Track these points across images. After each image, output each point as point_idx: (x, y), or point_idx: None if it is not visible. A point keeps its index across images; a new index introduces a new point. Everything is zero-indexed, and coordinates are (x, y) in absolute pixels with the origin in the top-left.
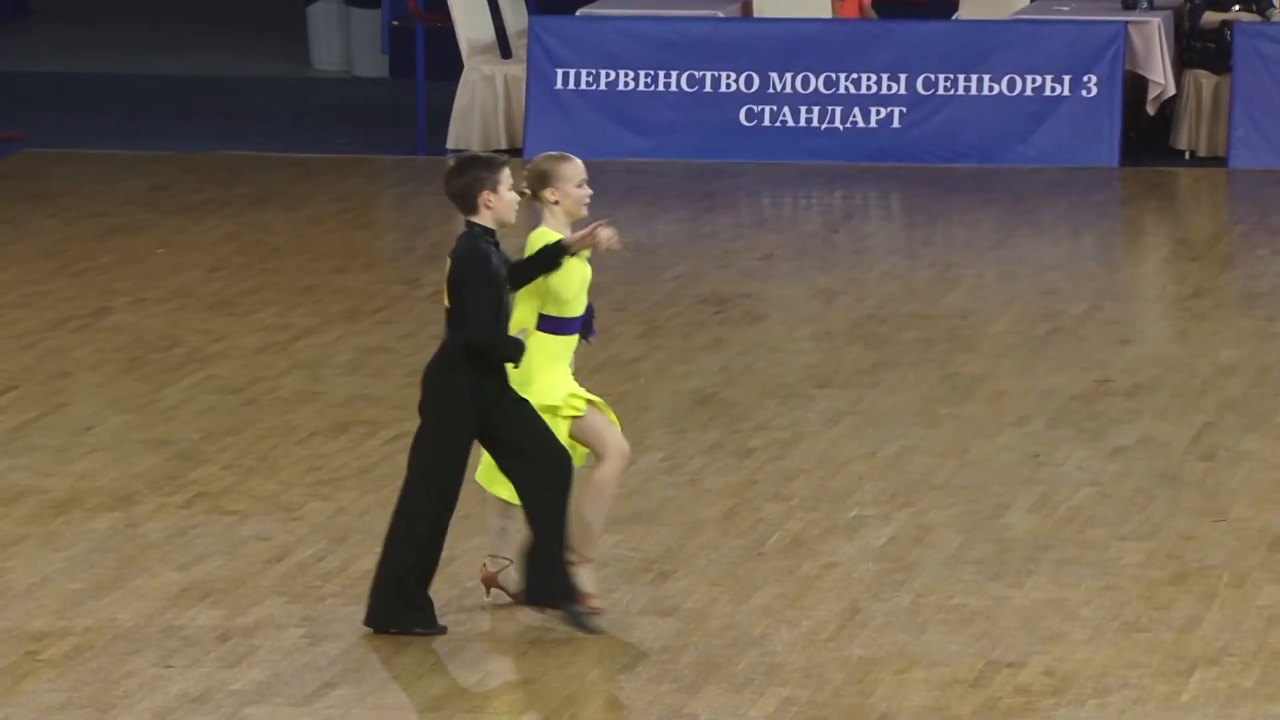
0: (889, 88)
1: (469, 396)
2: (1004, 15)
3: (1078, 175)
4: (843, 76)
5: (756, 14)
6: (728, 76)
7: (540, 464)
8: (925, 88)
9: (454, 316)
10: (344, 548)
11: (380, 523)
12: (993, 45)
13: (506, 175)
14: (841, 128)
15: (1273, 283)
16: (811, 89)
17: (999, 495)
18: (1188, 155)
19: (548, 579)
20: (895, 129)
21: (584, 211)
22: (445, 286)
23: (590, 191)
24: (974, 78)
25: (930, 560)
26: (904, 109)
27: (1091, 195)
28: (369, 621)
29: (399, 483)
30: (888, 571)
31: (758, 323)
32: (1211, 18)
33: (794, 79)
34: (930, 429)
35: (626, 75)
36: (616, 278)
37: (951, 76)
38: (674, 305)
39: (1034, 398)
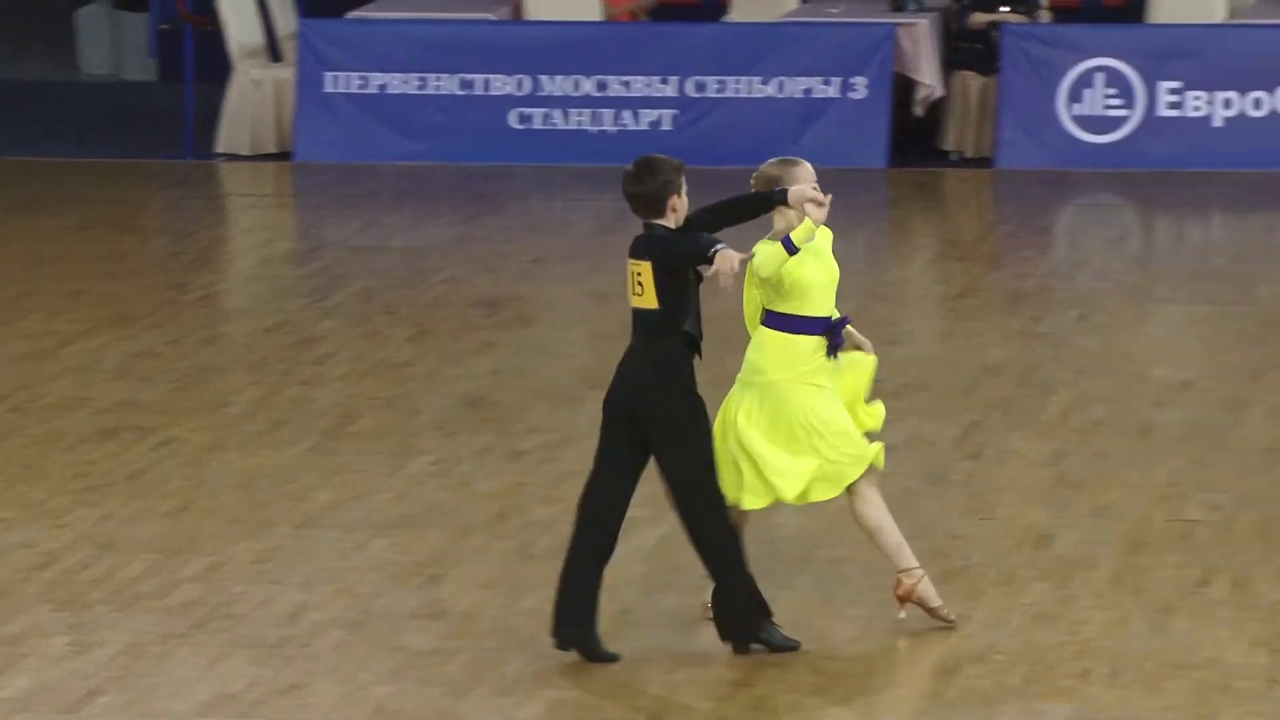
0: (659, 90)
1: (694, 383)
2: (773, 18)
3: (847, 176)
4: (613, 79)
5: (527, 16)
6: (498, 79)
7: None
8: (696, 90)
9: (668, 314)
10: (110, 554)
11: (147, 529)
12: (762, 47)
13: (683, 180)
14: (612, 130)
15: (1039, 282)
16: (582, 92)
17: None
18: (955, 156)
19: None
20: (666, 131)
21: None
22: (650, 289)
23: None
24: (744, 80)
25: (698, 562)
26: (675, 111)
27: (860, 196)
28: (736, 640)
29: (169, 487)
30: (657, 572)
31: (529, 325)
32: (979, 19)
33: (565, 82)
34: None
35: (396, 78)
36: (386, 281)
37: (722, 79)
38: (445, 308)
39: None
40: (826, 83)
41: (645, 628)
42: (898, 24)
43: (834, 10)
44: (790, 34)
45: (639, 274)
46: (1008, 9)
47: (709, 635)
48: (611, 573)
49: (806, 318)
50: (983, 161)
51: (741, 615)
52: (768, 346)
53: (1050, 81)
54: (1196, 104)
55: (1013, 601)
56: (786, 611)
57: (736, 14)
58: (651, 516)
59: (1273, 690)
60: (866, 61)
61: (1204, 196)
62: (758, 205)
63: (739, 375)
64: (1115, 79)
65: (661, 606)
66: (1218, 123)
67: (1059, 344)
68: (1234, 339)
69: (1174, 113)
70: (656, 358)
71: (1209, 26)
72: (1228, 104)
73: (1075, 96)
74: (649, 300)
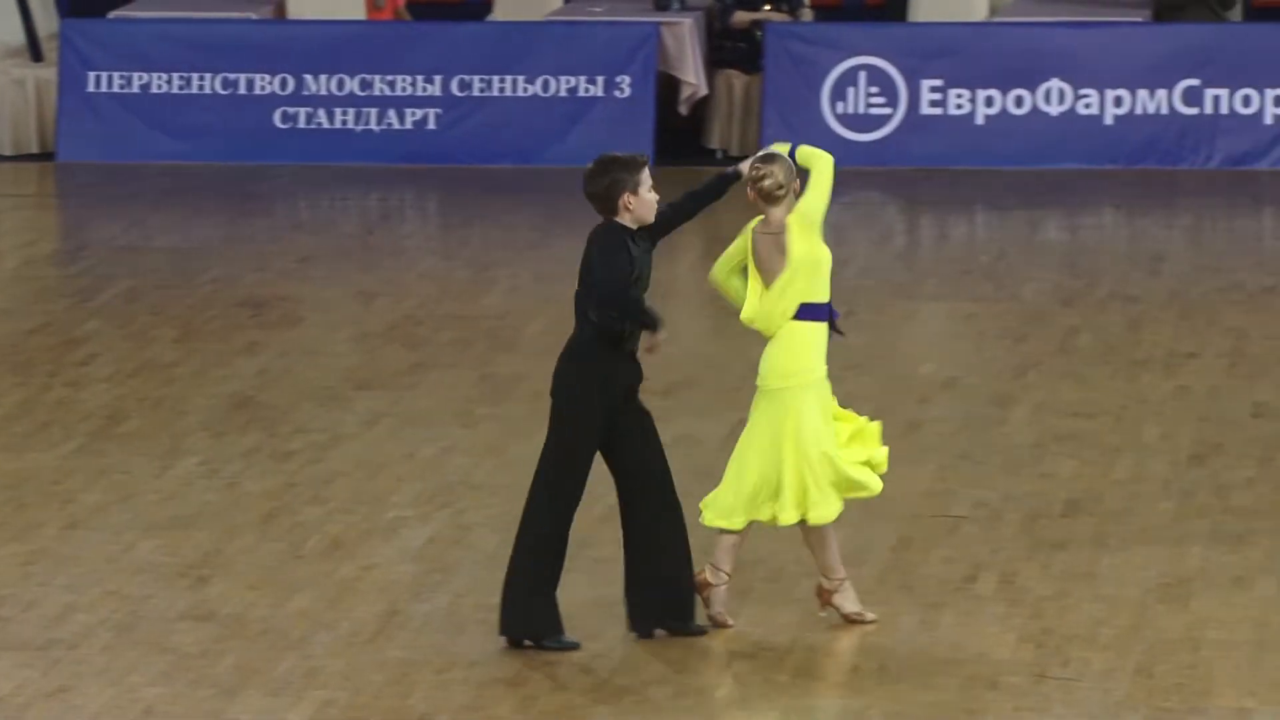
0: (424, 89)
1: (599, 387)
2: (538, 17)
3: None
4: (378, 78)
5: (290, 16)
6: (262, 79)
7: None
8: (460, 89)
9: (583, 299)
10: None
11: None
12: (527, 46)
13: (646, 176)
14: (377, 129)
15: None
16: (347, 91)
17: None
18: (721, 154)
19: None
20: (431, 130)
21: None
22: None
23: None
24: (509, 79)
25: (469, 561)
26: (440, 110)
27: None
28: (508, 630)
29: None
30: (426, 573)
31: (296, 325)
32: (742, 18)
33: (329, 81)
34: (468, 429)
35: (160, 78)
36: (152, 282)
37: (487, 78)
38: (211, 309)
39: None
40: (591, 81)
41: (415, 629)
42: (661, 23)
43: (597, 9)
44: (555, 33)
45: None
46: (770, 8)
47: (480, 635)
48: (380, 573)
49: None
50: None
51: (526, 608)
52: (812, 340)
53: (813, 80)
54: (959, 102)
55: (784, 598)
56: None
57: (500, 13)
58: (419, 516)
59: (1040, 685)
60: (631, 60)
61: (967, 194)
62: (718, 187)
63: (771, 385)
64: (878, 77)
65: (432, 606)
66: (980, 120)
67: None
68: (998, 336)
69: (936, 111)
70: (572, 341)
71: (970, 25)
72: (990, 102)
73: (838, 95)
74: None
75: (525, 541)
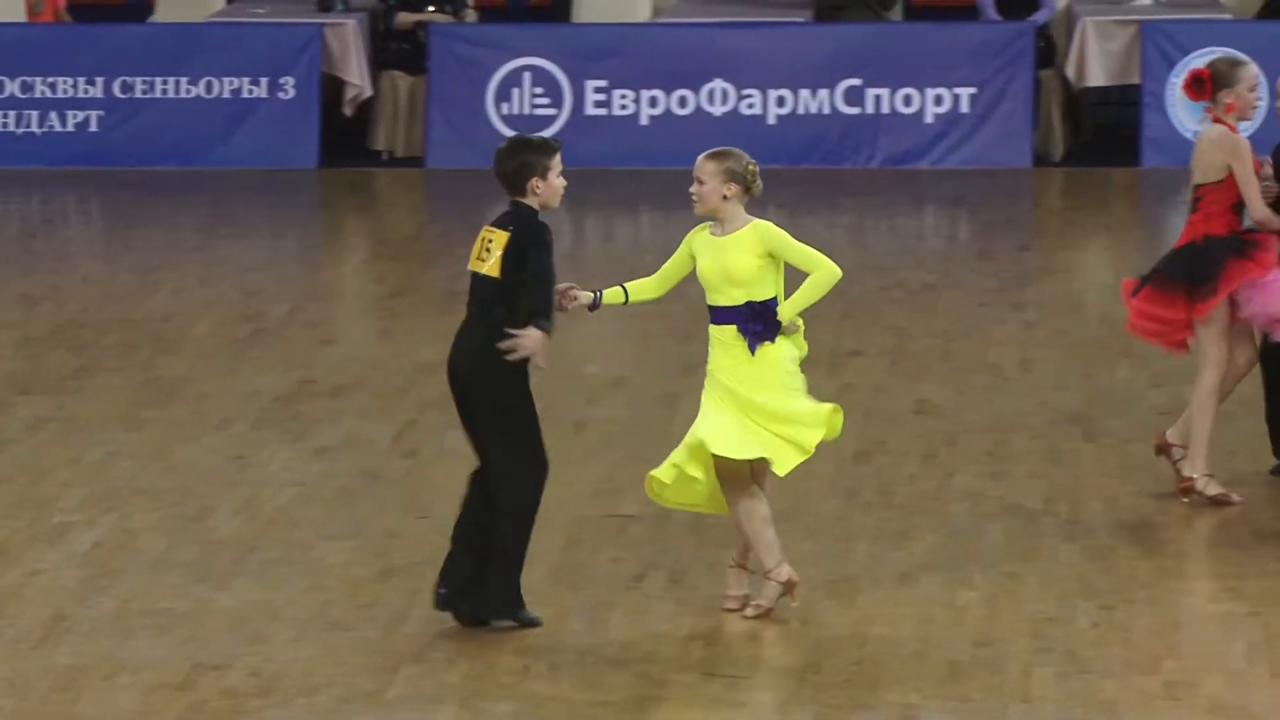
0: (86, 91)
1: (525, 371)
2: (200, 18)
3: (278, 177)
4: (39, 80)
5: None
6: None
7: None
8: (123, 91)
9: (506, 288)
10: None
11: None
12: (189, 48)
13: (557, 161)
14: (39, 132)
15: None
16: (8, 93)
17: (204, 498)
18: (386, 156)
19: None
20: (94, 133)
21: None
22: (496, 257)
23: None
24: (171, 80)
25: (136, 565)
26: (102, 113)
27: (292, 196)
28: (479, 615)
29: None
30: (92, 577)
31: None
32: (405, 19)
33: None
34: (134, 433)
35: None
36: None
37: (149, 80)
38: None
39: (237, 399)
40: (255, 83)
41: (83, 634)
42: (325, 24)
43: (260, 10)
44: (217, 34)
45: (490, 240)
46: (434, 9)
47: (148, 639)
48: (45, 579)
49: None
50: (414, 161)
51: (501, 588)
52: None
53: (478, 81)
54: (623, 103)
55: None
56: (223, 615)
57: (162, 14)
58: (85, 521)
59: (709, 684)
60: (294, 62)
61: (632, 194)
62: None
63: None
64: (542, 78)
65: (98, 611)
66: (644, 121)
67: None
68: (665, 335)
69: (601, 111)
70: (488, 328)
71: (634, 26)
72: (654, 102)
73: (503, 96)
74: (492, 269)
75: (508, 525)
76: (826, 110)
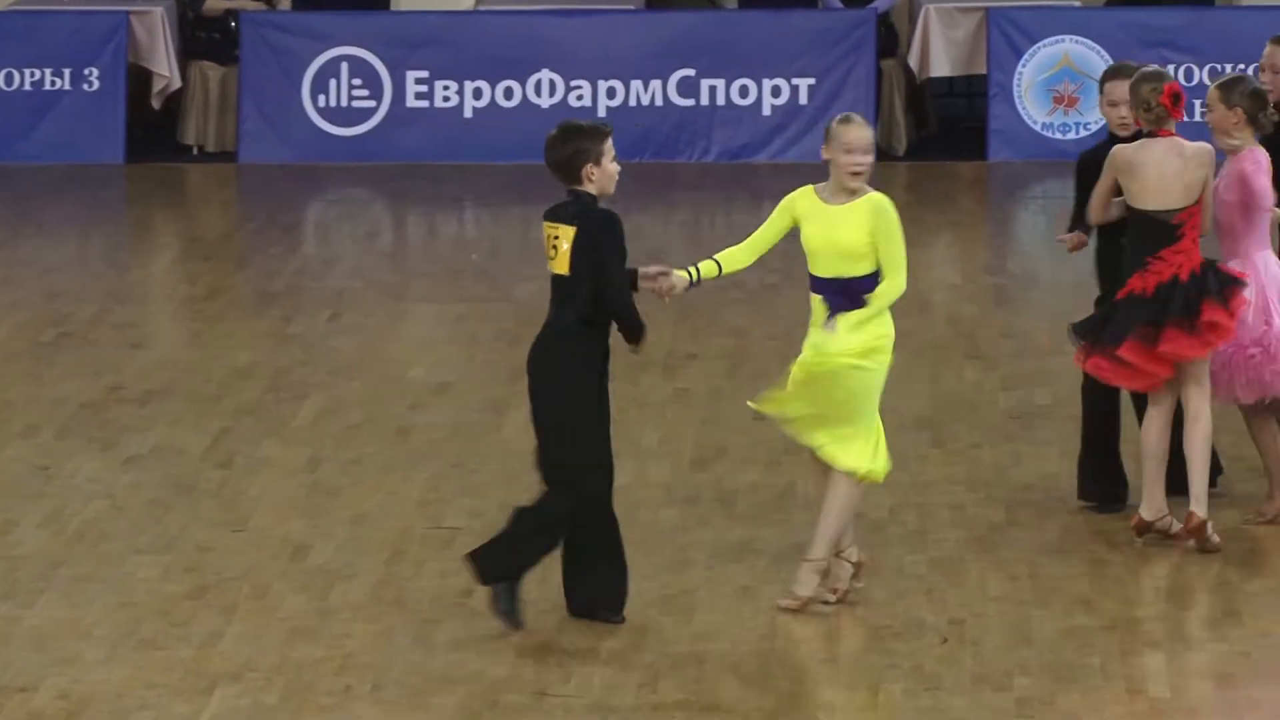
0: None
1: (596, 366)
2: (2, 6)
3: (83, 172)
4: None
5: None
6: None
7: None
8: None
9: (576, 284)
10: None
11: None
12: None
13: (610, 145)
14: None
15: (288, 281)
16: None
17: (7, 511)
18: (196, 150)
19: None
20: None
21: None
22: (564, 252)
23: (858, 160)
24: None
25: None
26: None
27: (98, 193)
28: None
29: None
30: None
31: None
32: (215, 5)
33: None
34: None
35: None
36: None
37: None
38: None
39: (42, 406)
40: (58, 74)
41: None
42: (131, 12)
43: None
44: (17, 23)
45: (556, 236)
46: None
47: None
48: None
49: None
50: (226, 155)
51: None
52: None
53: (293, 72)
54: (446, 94)
55: (269, 617)
56: (28, 634)
57: None
58: None
59: (541, 703)
60: (99, 52)
61: (456, 190)
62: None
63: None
64: (361, 69)
65: None
66: (468, 113)
67: (311, 346)
68: (492, 338)
69: (423, 103)
70: (556, 331)
71: (456, 14)
72: (478, 94)
73: (320, 87)
74: (561, 265)
75: (597, 526)
76: (659, 102)
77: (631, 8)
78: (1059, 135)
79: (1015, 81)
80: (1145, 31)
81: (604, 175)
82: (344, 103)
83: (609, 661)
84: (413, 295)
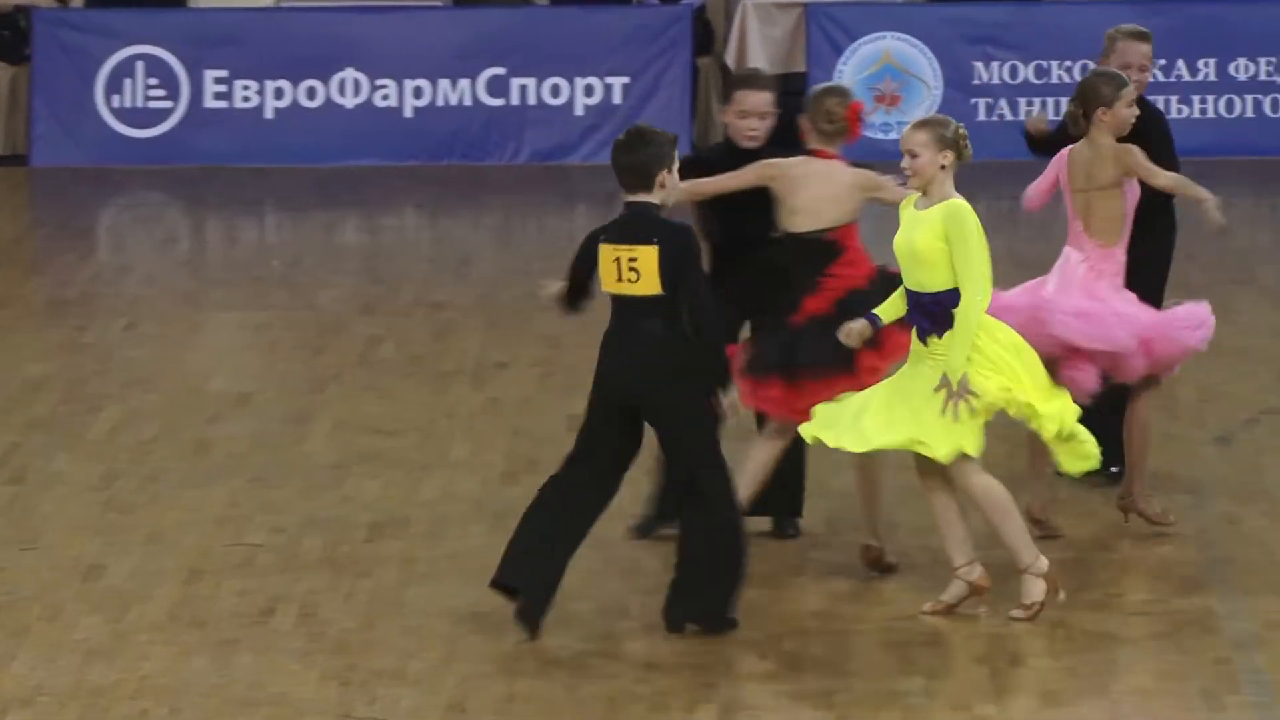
0: None
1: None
2: None
3: None
4: None
5: None
6: None
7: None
8: None
9: (668, 303)
10: None
11: None
12: None
13: (676, 155)
14: None
15: (82, 289)
16: None
17: None
18: None
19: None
20: None
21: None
22: (649, 274)
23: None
24: None
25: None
26: None
27: None
28: (717, 625)
29: None
30: None
31: None
32: (4, 2)
33: None
34: None
35: None
36: None
37: None
38: None
39: None
40: None
41: None
42: None
43: None
44: None
45: (634, 259)
46: None
47: None
48: None
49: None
50: (17, 159)
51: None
52: None
53: (87, 71)
54: (246, 94)
55: (62, 638)
56: None
57: None
58: None
59: None
60: None
61: (257, 194)
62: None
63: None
64: (157, 68)
65: None
66: (269, 114)
67: (106, 356)
68: (294, 348)
69: (222, 104)
70: (657, 343)
71: (257, 10)
72: (280, 94)
73: (114, 87)
74: (648, 287)
75: (719, 536)
76: (468, 102)
77: (439, 4)
78: (880, 135)
79: (835, 80)
80: (969, 27)
81: (673, 183)
82: (140, 103)
83: (416, 682)
84: (212, 303)
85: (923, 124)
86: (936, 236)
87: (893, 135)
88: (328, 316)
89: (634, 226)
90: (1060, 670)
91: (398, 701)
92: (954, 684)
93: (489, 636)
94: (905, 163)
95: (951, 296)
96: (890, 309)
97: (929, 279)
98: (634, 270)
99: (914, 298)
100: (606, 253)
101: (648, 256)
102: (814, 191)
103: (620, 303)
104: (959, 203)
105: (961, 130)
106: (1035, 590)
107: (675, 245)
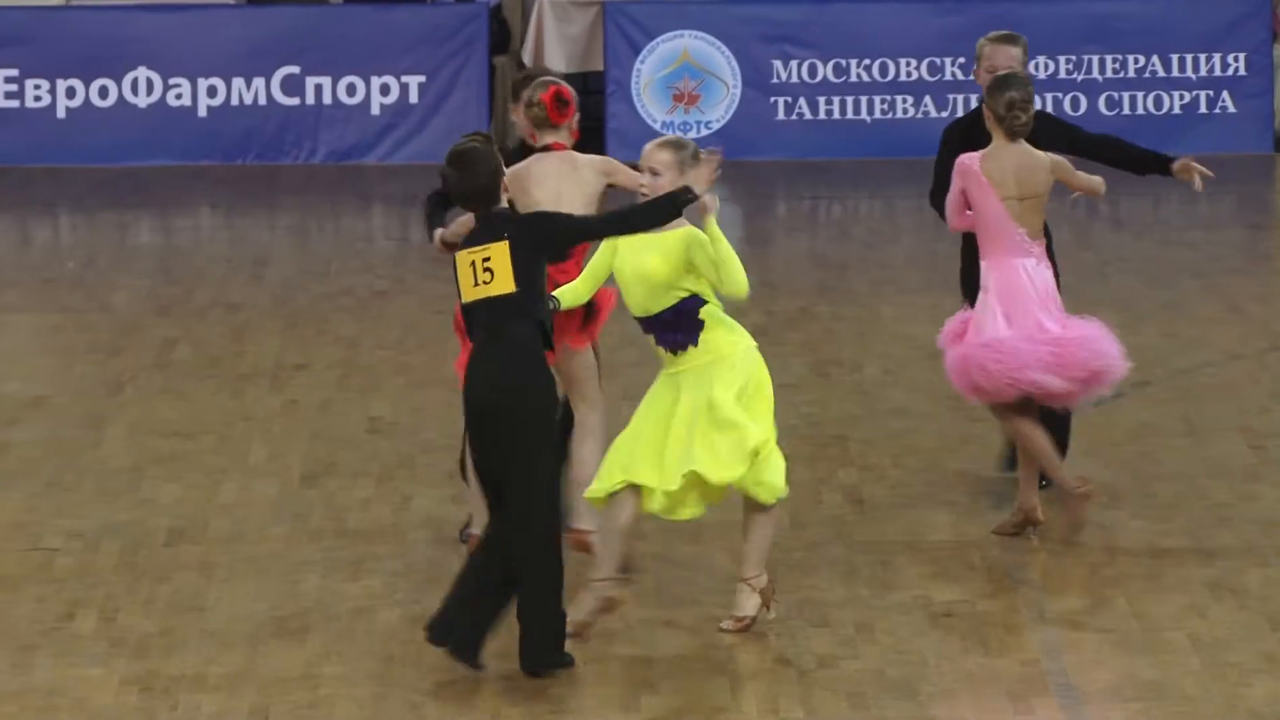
0: None
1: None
2: None
3: None
4: None
5: None
6: None
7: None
8: None
9: (524, 299)
10: None
11: None
12: None
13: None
14: None
15: None
16: None
17: None
18: None
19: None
20: None
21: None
22: (493, 268)
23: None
24: None
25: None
26: None
27: None
28: (536, 665)
29: None
30: None
31: None
32: None
33: None
34: None
35: None
36: None
37: None
38: None
39: None
40: None
41: None
42: None
43: None
44: None
45: (487, 259)
46: None
47: None
48: None
49: None
50: None
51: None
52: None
53: None
54: (36, 94)
55: None
56: None
57: None
58: None
59: None
60: None
61: (49, 194)
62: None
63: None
64: None
65: None
66: (61, 114)
67: None
68: (88, 350)
69: (13, 103)
70: (511, 353)
71: (46, 9)
72: (71, 93)
73: None
74: (503, 285)
75: (545, 579)
76: (262, 101)
77: (232, 2)
78: (680, 134)
79: (634, 79)
80: (766, 26)
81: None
82: None
83: (218, 688)
84: (4, 305)
85: (667, 144)
86: (676, 263)
87: (692, 135)
88: (122, 318)
89: (485, 229)
90: (867, 672)
91: (199, 708)
92: (761, 686)
93: (291, 641)
94: (645, 179)
95: (690, 302)
96: (570, 294)
97: (657, 303)
98: (489, 270)
99: (649, 322)
100: (463, 259)
101: (499, 252)
102: (554, 185)
103: (476, 309)
104: (696, 230)
105: (701, 154)
106: (749, 604)
107: (523, 231)
